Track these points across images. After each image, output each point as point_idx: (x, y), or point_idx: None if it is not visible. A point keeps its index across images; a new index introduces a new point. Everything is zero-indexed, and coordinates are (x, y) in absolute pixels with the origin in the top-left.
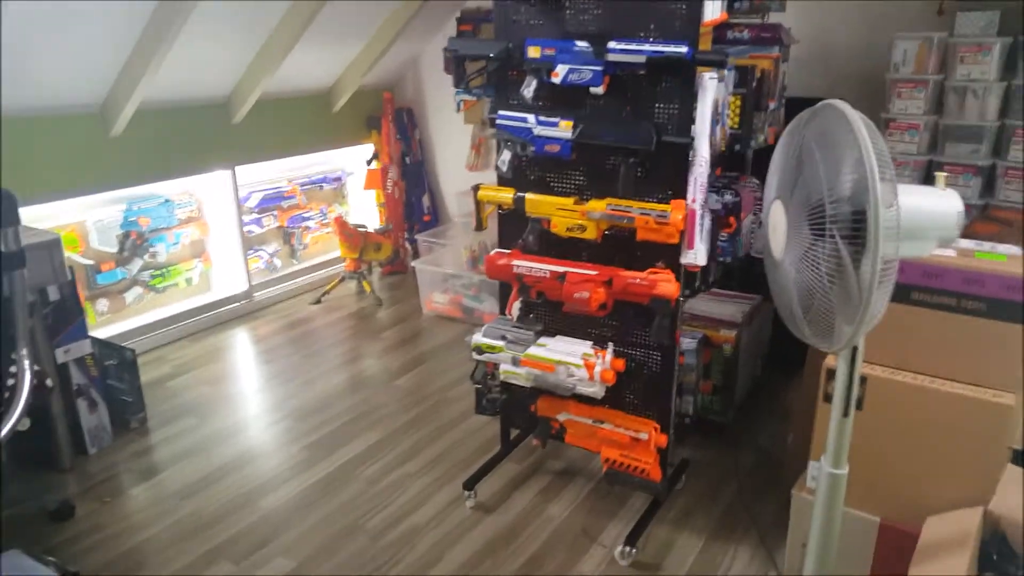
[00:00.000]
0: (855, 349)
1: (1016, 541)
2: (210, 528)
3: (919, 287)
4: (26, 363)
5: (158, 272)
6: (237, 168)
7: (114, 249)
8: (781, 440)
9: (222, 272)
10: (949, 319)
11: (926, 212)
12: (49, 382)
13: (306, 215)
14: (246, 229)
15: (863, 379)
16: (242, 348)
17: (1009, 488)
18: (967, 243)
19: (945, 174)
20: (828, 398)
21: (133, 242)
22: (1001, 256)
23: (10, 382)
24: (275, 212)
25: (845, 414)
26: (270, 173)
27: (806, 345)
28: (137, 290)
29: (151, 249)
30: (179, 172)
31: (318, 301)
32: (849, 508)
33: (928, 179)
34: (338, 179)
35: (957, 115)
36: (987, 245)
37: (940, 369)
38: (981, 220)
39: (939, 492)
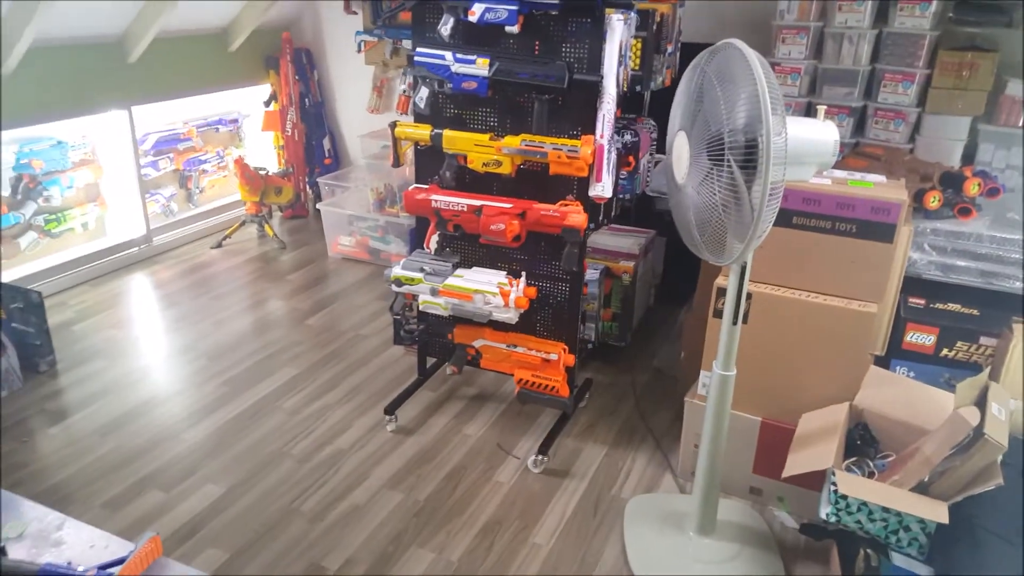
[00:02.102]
0: (744, 264)
1: (876, 428)
2: (136, 460)
3: (799, 212)
4: None
5: (52, 216)
6: (133, 109)
7: (6, 193)
8: (673, 361)
9: (119, 216)
10: (825, 240)
11: (809, 141)
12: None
13: (203, 158)
14: (142, 172)
15: (749, 295)
16: (145, 292)
17: (871, 385)
18: (840, 173)
19: (825, 106)
20: (719, 314)
21: (26, 185)
22: (869, 183)
23: None
24: (171, 155)
25: (735, 322)
26: (165, 115)
27: (694, 278)
28: (32, 235)
29: (45, 193)
30: (74, 112)
31: (219, 245)
32: (735, 411)
33: None
34: (235, 121)
35: (834, 60)
36: (858, 174)
37: (817, 285)
38: (852, 156)
39: (812, 392)
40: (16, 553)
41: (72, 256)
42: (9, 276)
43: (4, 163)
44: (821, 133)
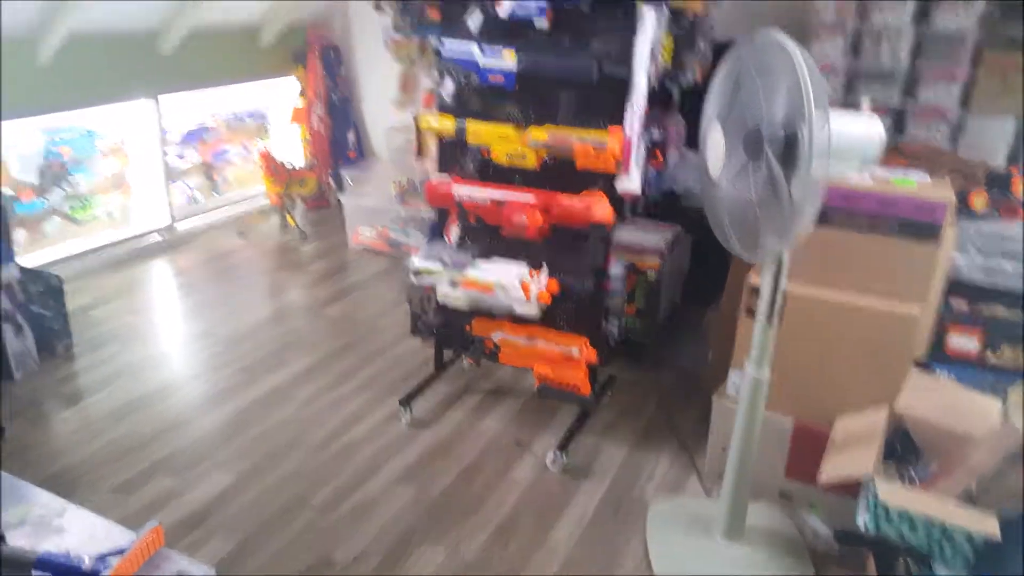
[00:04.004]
0: (781, 262)
1: (917, 435)
2: (147, 446)
3: (838, 209)
4: None
5: (78, 203)
6: (161, 99)
7: (34, 180)
8: (699, 360)
9: (144, 204)
10: (864, 239)
11: (852, 136)
12: None
13: (229, 149)
14: (168, 163)
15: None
16: (165, 279)
17: (912, 389)
18: (882, 171)
19: (871, 97)
20: (751, 312)
21: (54, 171)
22: (911, 182)
23: None
24: (197, 146)
25: (769, 321)
26: (194, 109)
27: (721, 276)
28: (56, 220)
29: (70, 178)
30: (104, 99)
31: (241, 235)
32: (766, 411)
33: None
34: (262, 115)
35: (873, 59)
36: (899, 172)
37: (855, 285)
38: (891, 155)
39: (849, 395)
40: (16, 540)
41: (95, 243)
42: (32, 261)
43: (32, 153)
44: (866, 128)
